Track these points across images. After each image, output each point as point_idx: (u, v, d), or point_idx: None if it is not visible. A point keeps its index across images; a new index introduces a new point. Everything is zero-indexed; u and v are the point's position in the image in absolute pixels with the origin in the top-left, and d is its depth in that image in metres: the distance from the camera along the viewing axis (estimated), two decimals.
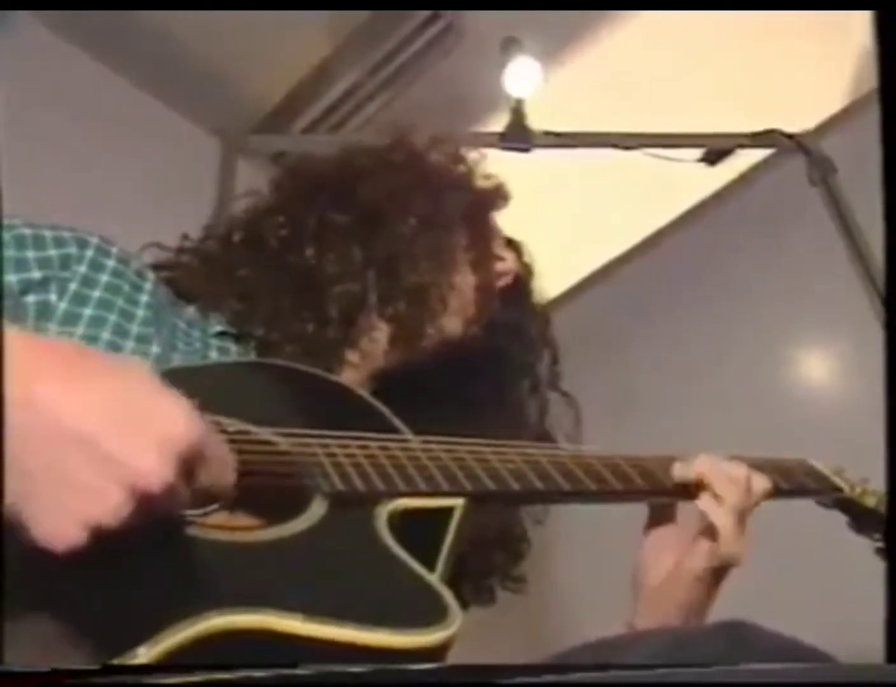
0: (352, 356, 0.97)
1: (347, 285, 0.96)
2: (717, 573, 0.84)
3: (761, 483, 0.87)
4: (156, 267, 0.99)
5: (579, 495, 0.82)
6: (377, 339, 0.98)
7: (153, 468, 0.52)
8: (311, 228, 1.00)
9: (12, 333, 0.55)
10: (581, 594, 2.47)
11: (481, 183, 1.11)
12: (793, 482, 0.93)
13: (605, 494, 0.83)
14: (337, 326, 0.95)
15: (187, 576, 0.58)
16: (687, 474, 0.86)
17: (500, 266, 1.08)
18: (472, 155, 1.13)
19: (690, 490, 0.86)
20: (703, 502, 0.85)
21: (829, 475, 0.97)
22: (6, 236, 0.84)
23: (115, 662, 0.49)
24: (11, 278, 0.82)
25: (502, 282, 1.08)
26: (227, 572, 0.60)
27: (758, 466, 0.89)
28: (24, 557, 0.52)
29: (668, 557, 0.86)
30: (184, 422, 0.54)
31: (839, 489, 0.96)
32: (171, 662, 0.50)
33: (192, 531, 0.61)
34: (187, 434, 0.54)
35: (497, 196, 1.13)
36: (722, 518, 0.83)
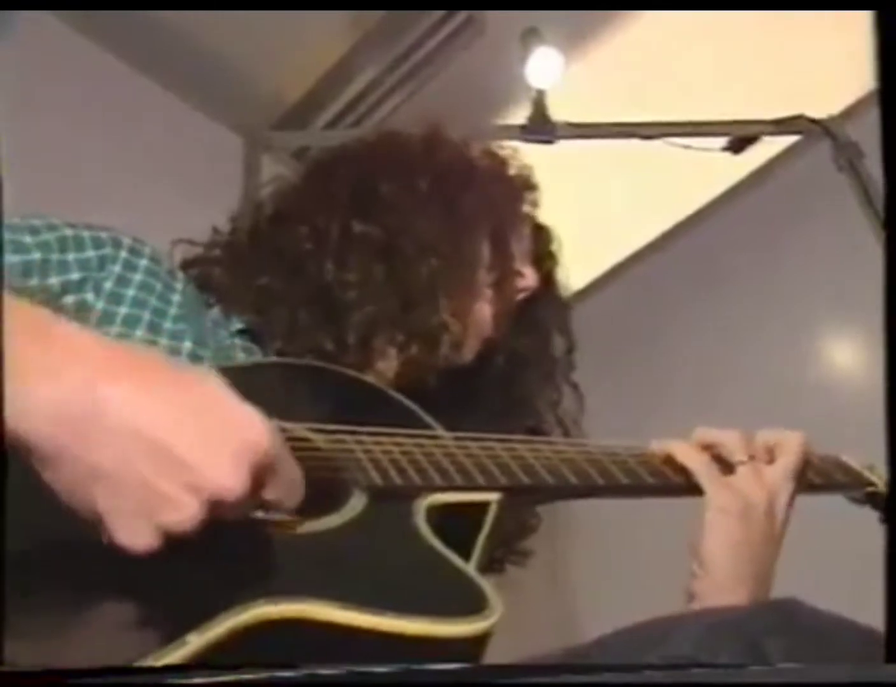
0: (367, 375, 0.95)
1: (366, 309, 0.95)
2: (749, 538, 0.83)
3: (792, 435, 0.88)
4: (185, 263, 1.00)
5: (612, 490, 0.83)
6: (389, 363, 0.97)
7: (230, 478, 0.52)
8: (332, 239, 0.98)
9: (81, 334, 0.56)
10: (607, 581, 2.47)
11: (512, 192, 1.08)
12: (824, 477, 0.93)
13: (638, 489, 0.84)
14: (355, 350, 0.94)
15: (230, 568, 0.58)
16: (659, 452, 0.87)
17: (519, 283, 1.06)
18: (504, 151, 1.11)
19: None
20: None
21: (860, 470, 0.96)
22: (50, 238, 0.86)
23: (167, 648, 0.50)
24: (53, 281, 0.84)
25: (520, 297, 1.06)
26: (268, 564, 0.61)
27: None
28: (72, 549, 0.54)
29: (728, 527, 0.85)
30: (258, 433, 0.54)
31: (871, 484, 0.95)
32: (214, 652, 0.51)
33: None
34: (263, 445, 0.54)
35: (526, 206, 1.11)
36: (703, 486, 0.84)
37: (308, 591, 0.56)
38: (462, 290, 0.99)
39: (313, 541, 0.64)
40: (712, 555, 0.81)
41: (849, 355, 2.51)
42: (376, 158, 1.06)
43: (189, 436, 0.52)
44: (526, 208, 1.11)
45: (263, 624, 0.54)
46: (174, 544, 0.54)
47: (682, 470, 0.86)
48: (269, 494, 0.56)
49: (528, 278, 1.07)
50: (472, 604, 0.59)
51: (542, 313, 1.12)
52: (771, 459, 0.87)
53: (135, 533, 0.51)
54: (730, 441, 0.87)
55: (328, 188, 1.03)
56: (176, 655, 0.50)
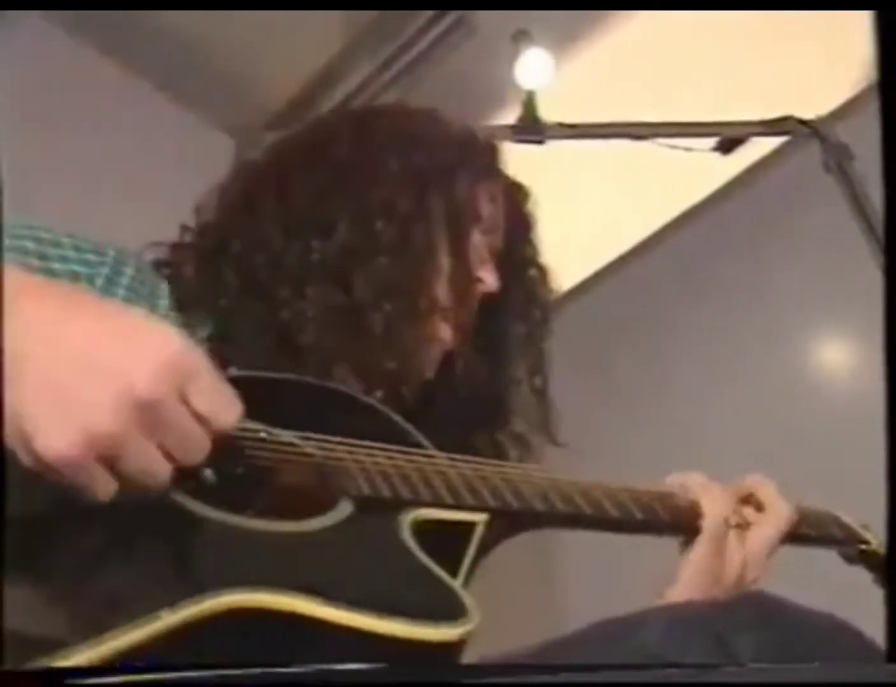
0: None
1: (323, 347, 0.91)
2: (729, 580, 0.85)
3: (784, 503, 0.90)
4: (156, 264, 0.99)
5: (600, 521, 0.84)
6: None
7: (147, 381, 0.54)
8: (290, 266, 0.94)
9: (13, 273, 0.58)
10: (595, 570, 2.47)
11: (468, 188, 1.01)
12: (820, 530, 0.95)
13: (627, 523, 0.85)
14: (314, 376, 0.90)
15: (211, 555, 0.60)
16: (677, 482, 0.89)
17: (479, 289, 1.01)
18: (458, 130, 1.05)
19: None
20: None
21: (855, 528, 0.98)
22: (27, 233, 0.85)
23: (141, 623, 0.51)
24: (34, 262, 0.84)
25: (482, 299, 1.01)
26: (250, 556, 0.62)
27: None
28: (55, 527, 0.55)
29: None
30: (179, 343, 0.57)
31: (866, 541, 0.97)
32: (190, 637, 0.52)
33: (218, 515, 0.63)
34: (183, 353, 0.56)
35: (486, 197, 1.03)
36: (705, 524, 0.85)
37: (288, 585, 0.57)
38: (418, 327, 0.95)
39: (297, 540, 0.65)
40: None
41: (840, 356, 2.52)
42: (330, 164, 1.01)
43: (110, 347, 0.55)
44: (491, 189, 1.05)
45: (239, 612, 0.55)
46: (152, 532, 0.55)
47: (674, 509, 0.87)
48: (197, 403, 0.57)
49: (489, 283, 1.01)
50: (451, 610, 0.61)
51: (505, 320, 1.07)
52: (758, 508, 0.89)
53: (56, 434, 0.52)
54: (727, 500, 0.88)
55: (286, 196, 0.99)
56: (148, 628, 0.51)
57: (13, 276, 0.57)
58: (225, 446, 0.60)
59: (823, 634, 0.60)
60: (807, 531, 0.92)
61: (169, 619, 0.52)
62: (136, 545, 0.57)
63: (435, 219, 0.99)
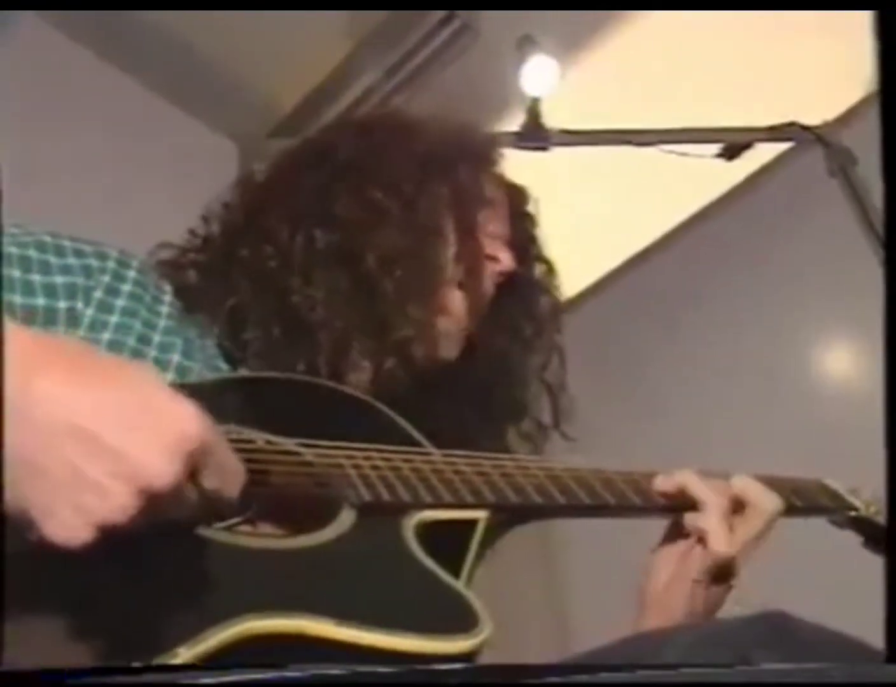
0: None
1: (335, 327, 0.92)
2: (716, 578, 0.85)
3: (769, 499, 0.88)
4: (162, 264, 0.99)
5: (599, 509, 0.84)
6: (362, 374, 0.95)
7: (160, 466, 0.51)
8: (296, 253, 0.95)
9: (12, 328, 0.55)
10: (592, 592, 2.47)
11: (474, 172, 1.03)
12: (807, 500, 0.94)
13: (625, 509, 0.85)
14: (325, 368, 0.91)
15: (221, 580, 0.59)
16: (667, 486, 0.87)
17: (496, 268, 1.02)
18: (460, 125, 1.06)
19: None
20: (688, 516, 0.86)
21: (843, 494, 0.97)
22: (28, 239, 0.86)
23: (156, 662, 0.51)
24: (35, 278, 0.83)
25: (499, 281, 1.03)
26: (260, 578, 0.61)
27: (772, 484, 0.90)
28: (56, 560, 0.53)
29: (672, 566, 0.87)
30: (191, 423, 0.54)
31: (854, 508, 0.97)
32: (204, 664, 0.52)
33: (223, 537, 0.63)
34: (195, 435, 0.54)
35: (492, 183, 1.05)
36: (705, 520, 0.84)
37: (300, 606, 0.57)
38: (429, 295, 0.96)
39: (303, 556, 0.65)
40: (675, 615, 0.83)
41: (842, 362, 2.52)
42: (333, 164, 1.02)
43: (119, 425, 0.52)
44: (493, 185, 1.07)
45: (253, 638, 0.54)
46: (161, 559, 0.54)
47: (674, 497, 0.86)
48: (206, 482, 0.55)
49: (504, 262, 1.02)
50: (463, 621, 0.60)
51: (516, 301, 1.07)
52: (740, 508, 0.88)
53: (65, 525, 0.50)
54: (719, 498, 0.86)
55: (290, 196, 1.00)
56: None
57: (13, 337, 0.54)
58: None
59: (842, 651, 0.60)
60: (795, 502, 0.92)
61: (185, 655, 0.51)
62: (140, 575, 0.56)
63: (439, 198, 1.00)
